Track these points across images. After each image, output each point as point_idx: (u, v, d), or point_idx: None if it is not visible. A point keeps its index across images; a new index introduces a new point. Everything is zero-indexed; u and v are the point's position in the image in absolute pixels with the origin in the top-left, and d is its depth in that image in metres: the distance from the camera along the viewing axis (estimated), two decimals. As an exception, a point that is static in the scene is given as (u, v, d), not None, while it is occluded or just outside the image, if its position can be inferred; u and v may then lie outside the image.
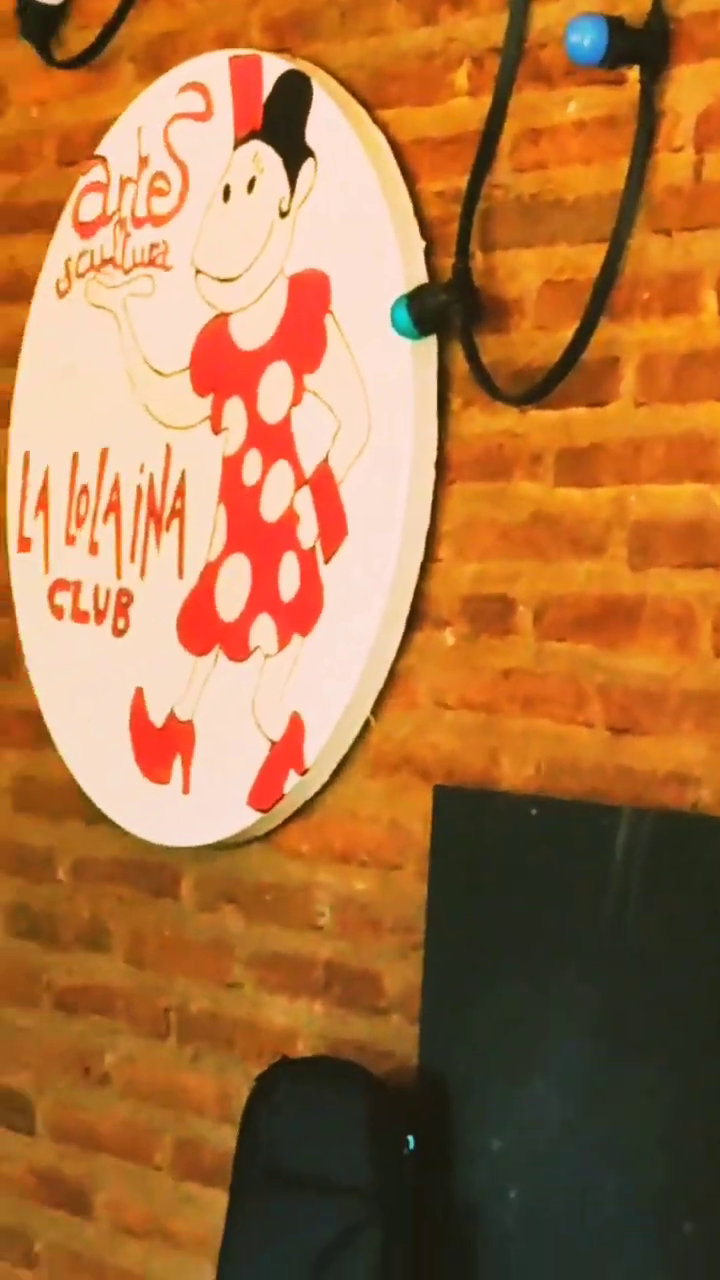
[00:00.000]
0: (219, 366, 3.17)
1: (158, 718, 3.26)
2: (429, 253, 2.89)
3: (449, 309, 2.80)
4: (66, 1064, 3.54)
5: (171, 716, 3.24)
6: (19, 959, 3.64)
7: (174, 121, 3.25)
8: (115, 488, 3.36)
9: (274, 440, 3.07)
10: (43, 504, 3.49)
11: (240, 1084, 3.04)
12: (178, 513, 3.24)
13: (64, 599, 3.45)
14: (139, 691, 3.29)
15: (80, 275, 3.42)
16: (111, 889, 3.46)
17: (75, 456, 3.43)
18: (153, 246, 3.30)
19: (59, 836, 3.56)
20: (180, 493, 3.23)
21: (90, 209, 3.41)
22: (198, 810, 3.22)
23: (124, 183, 3.35)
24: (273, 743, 3.02)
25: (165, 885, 3.35)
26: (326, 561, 2.96)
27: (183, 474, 3.23)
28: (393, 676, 2.92)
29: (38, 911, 3.61)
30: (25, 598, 3.53)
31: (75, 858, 3.53)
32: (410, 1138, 2.77)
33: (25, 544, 3.52)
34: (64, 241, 3.45)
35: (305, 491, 3.00)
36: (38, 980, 3.60)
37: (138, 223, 3.32)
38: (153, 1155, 3.38)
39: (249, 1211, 2.91)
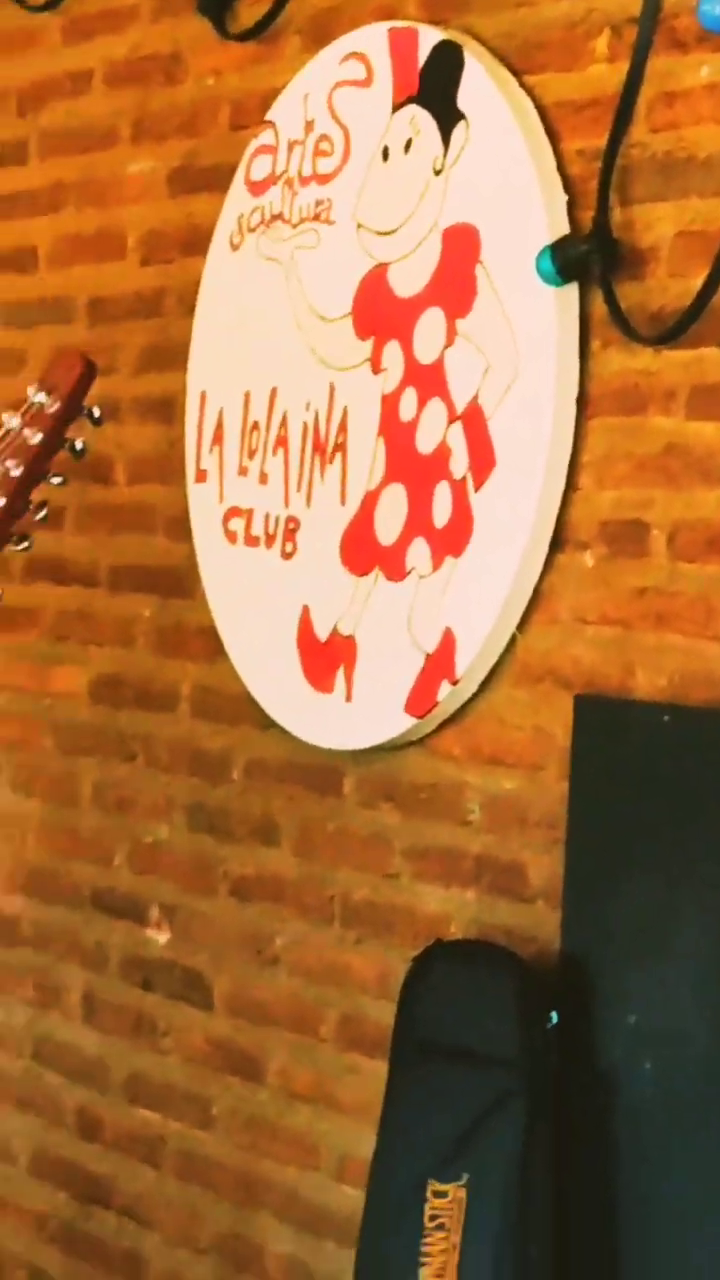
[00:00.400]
0: (378, 312, 3.18)
1: (322, 633, 3.28)
2: (571, 206, 2.88)
3: (590, 258, 2.81)
4: (241, 946, 3.56)
5: (335, 632, 3.26)
6: (198, 852, 3.66)
7: (337, 88, 3.26)
8: (283, 424, 3.37)
9: (429, 379, 3.08)
10: (218, 439, 3.51)
11: (398, 964, 3.05)
12: (340, 446, 3.26)
13: (237, 525, 3.48)
14: (305, 609, 3.31)
15: (251, 230, 3.44)
16: (281, 788, 3.48)
17: (247, 395, 3.45)
18: (318, 203, 3.31)
19: (233, 741, 3.58)
20: (343, 428, 3.25)
21: (261, 169, 3.42)
22: (359, 717, 3.24)
23: (291, 145, 3.36)
24: (427, 655, 3.04)
25: (329, 785, 3.37)
26: (476, 490, 2.97)
27: (345, 411, 3.24)
28: (537, 595, 2.94)
29: (214, 809, 3.63)
30: (202, 524, 3.55)
31: (248, 760, 3.55)
32: (553, 1013, 2.78)
33: (202, 475, 3.55)
34: (237, 199, 3.46)
35: (457, 426, 3.01)
36: (215, 871, 3.62)
37: (304, 181, 3.33)
38: (319, 1028, 3.40)
39: (406, 1080, 2.94)
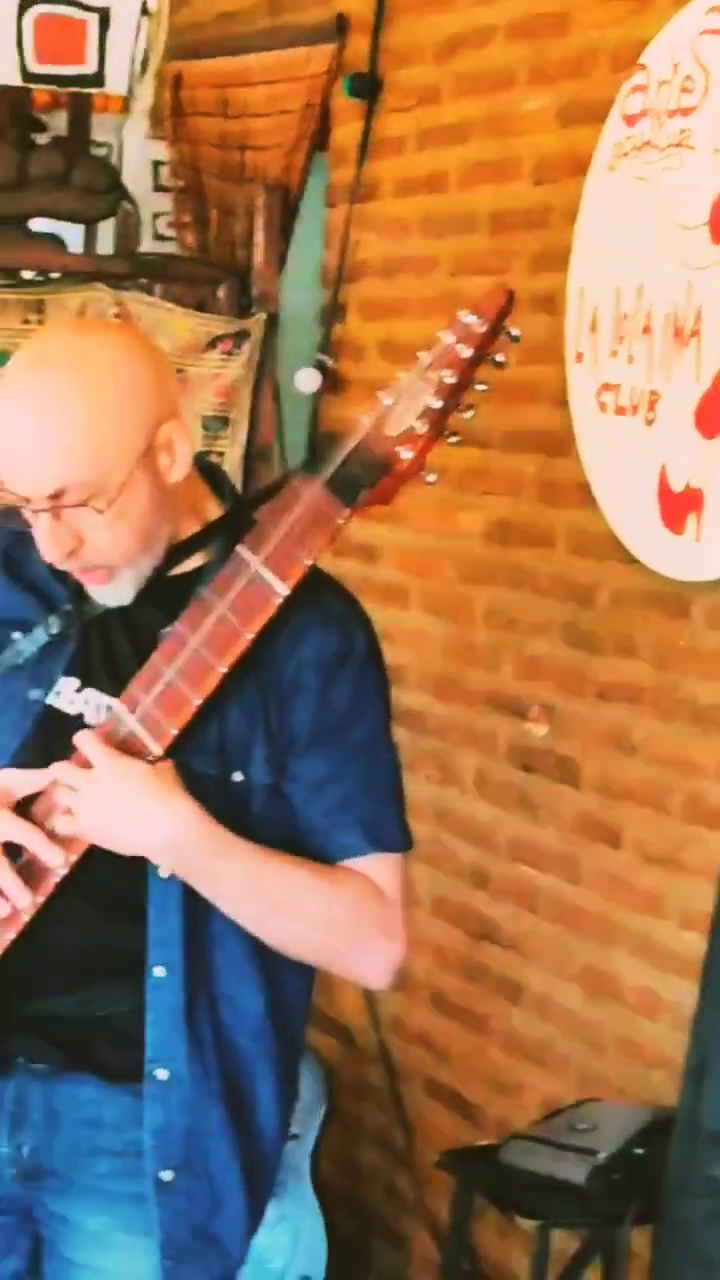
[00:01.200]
0: (730, 222, 3.18)
1: (677, 486, 3.29)
2: None
3: None
4: (604, 739, 3.61)
5: (688, 485, 3.26)
6: (571, 663, 3.71)
7: (701, 36, 3.23)
8: (648, 315, 3.37)
9: (771, 277, 3.07)
10: (593, 327, 3.53)
11: (737, 755, 3.08)
12: (695, 332, 3.25)
13: (608, 397, 3.49)
14: (663, 466, 3.32)
15: (625, 155, 3.44)
16: (640, 612, 3.51)
17: (618, 291, 3.45)
18: (681, 132, 3.28)
19: (601, 574, 3.61)
20: (698, 318, 3.24)
21: (634, 105, 3.41)
22: (706, 554, 3.24)
23: (660, 84, 3.33)
24: (766, 503, 3.04)
25: (680, 609, 3.39)
26: None
27: (701, 304, 3.24)
28: None
29: (584, 629, 3.67)
30: (578, 397, 3.58)
31: (613, 589, 3.59)
32: None
33: (579, 357, 3.57)
34: (613, 130, 3.46)
35: None
36: (585, 678, 3.66)
37: (670, 114, 3.30)
38: (668, 805, 3.44)
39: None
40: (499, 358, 2.15)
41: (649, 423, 3.37)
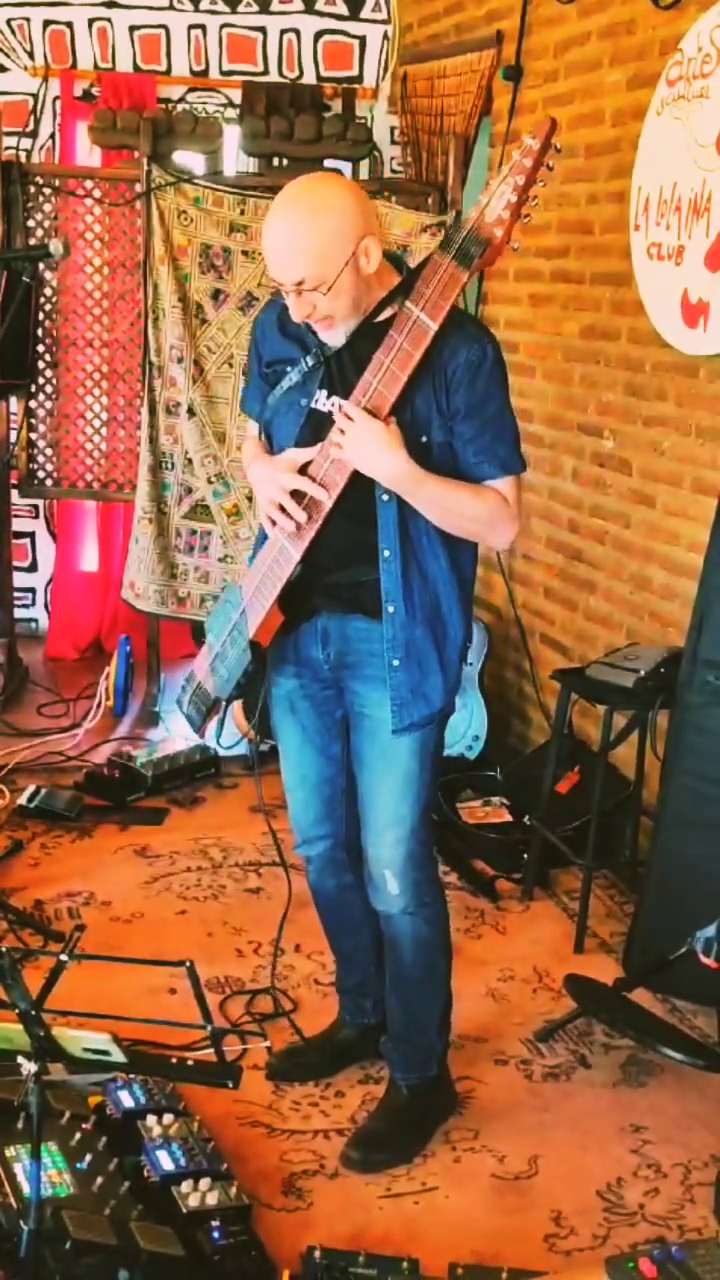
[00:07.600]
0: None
1: (694, 300, 3.12)
2: None
3: None
4: (646, 447, 3.47)
5: (700, 299, 3.09)
6: (629, 405, 3.54)
7: (715, 29, 3.04)
8: (678, 199, 3.19)
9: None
10: (645, 208, 3.35)
11: None
12: (706, 209, 3.06)
13: (654, 250, 3.33)
14: (685, 289, 3.14)
15: (667, 104, 3.24)
16: (669, 374, 3.33)
17: (661, 186, 3.25)
18: (702, 88, 3.08)
19: (647, 353, 3.42)
20: (709, 200, 3.07)
21: (674, 74, 3.22)
22: (710, 340, 3.06)
23: (689, 60, 3.14)
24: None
25: (692, 372, 3.21)
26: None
27: (711, 191, 3.05)
28: None
29: (637, 385, 3.48)
30: (636, 250, 3.39)
31: (653, 362, 3.39)
32: None
33: (637, 227, 3.39)
34: (661, 90, 3.25)
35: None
36: (636, 413, 3.50)
37: (695, 78, 3.14)
38: (682, 483, 3.32)
39: None
40: (550, 165, 2.00)
41: (678, 264, 3.26)
